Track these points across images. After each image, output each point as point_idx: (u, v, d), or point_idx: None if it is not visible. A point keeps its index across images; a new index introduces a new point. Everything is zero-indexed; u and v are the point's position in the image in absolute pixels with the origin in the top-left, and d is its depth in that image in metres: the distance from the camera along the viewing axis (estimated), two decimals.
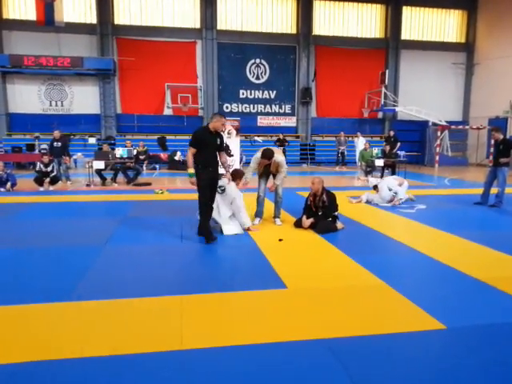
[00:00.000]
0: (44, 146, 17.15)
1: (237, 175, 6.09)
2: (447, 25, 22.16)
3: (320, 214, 6.14)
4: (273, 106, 20.80)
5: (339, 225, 6.21)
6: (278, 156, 6.26)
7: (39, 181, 10.48)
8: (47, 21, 17.38)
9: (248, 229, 5.96)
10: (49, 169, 10.56)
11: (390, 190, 8.50)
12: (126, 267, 4.40)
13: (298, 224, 6.23)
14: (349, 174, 15.75)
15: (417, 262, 4.70)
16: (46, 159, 10.63)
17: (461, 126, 21.16)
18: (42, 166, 10.55)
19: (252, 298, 3.62)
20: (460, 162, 20.95)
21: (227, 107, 20.54)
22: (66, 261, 4.61)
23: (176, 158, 17.18)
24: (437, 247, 5.25)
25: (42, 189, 10.39)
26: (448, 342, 2.90)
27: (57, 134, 11.77)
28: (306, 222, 6.12)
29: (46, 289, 3.75)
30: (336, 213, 6.25)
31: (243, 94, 20.66)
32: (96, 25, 18.69)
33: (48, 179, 10.47)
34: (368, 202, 8.67)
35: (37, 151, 16.73)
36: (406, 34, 21.52)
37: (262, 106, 20.81)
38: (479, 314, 3.27)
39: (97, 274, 4.15)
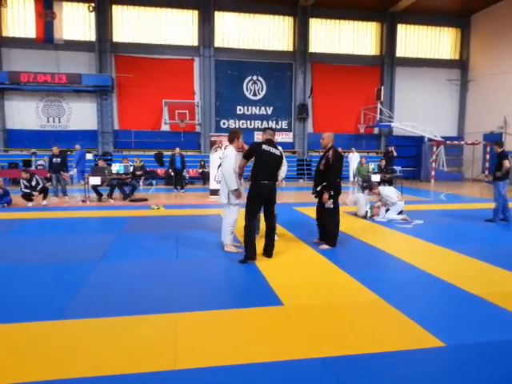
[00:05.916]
0: (41, 161, 17.15)
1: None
2: (441, 42, 22.51)
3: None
4: (270, 122, 20.89)
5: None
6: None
7: (27, 196, 10.31)
8: (47, 38, 17.61)
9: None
10: (33, 183, 10.30)
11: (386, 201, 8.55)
12: (120, 284, 4.34)
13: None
14: (344, 188, 15.71)
15: (414, 278, 4.64)
16: (25, 175, 10.29)
17: (456, 142, 21.30)
18: (25, 182, 10.28)
19: (248, 315, 3.56)
20: (456, 177, 21.05)
21: (224, 123, 20.64)
22: (59, 277, 4.55)
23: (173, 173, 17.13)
24: (435, 263, 5.21)
25: (30, 204, 10.25)
26: (448, 360, 2.84)
27: (56, 149, 11.78)
28: (324, 197, 5.88)
29: (37, 306, 3.69)
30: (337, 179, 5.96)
31: (240, 110, 20.79)
32: (95, 42, 18.88)
33: (36, 193, 10.28)
34: (354, 203, 8.93)
35: (33, 167, 16.69)
36: (400, 52, 21.83)
37: (259, 122, 20.92)
38: (479, 331, 3.22)
39: (91, 292, 4.09)
